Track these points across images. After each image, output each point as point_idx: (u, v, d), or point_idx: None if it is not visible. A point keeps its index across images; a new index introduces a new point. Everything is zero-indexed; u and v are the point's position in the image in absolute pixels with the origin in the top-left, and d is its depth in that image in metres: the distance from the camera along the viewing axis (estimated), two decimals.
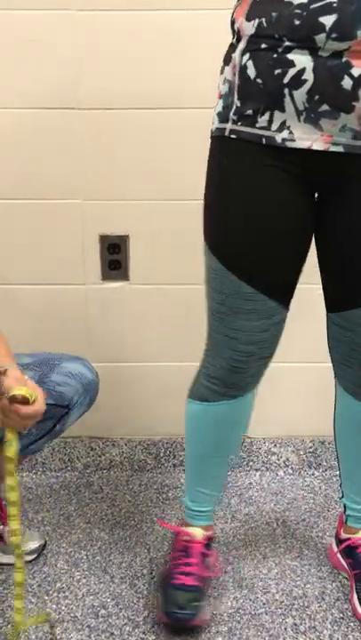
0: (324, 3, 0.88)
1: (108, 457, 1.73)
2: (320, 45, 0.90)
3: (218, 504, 1.33)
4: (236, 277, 1.06)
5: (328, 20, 0.88)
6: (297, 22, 0.90)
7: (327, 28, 0.88)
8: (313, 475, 1.72)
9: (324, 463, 1.73)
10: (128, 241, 1.59)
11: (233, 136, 1.01)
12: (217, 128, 1.05)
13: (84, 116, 1.49)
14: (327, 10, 0.88)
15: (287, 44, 0.91)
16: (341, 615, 1.23)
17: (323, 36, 0.89)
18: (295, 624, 1.20)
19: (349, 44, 0.89)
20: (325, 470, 1.73)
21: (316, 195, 1.05)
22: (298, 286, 1.12)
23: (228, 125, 1.01)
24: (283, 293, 1.10)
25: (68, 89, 1.48)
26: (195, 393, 1.22)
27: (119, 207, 1.57)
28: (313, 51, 0.90)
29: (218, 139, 1.05)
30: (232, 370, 1.14)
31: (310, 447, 1.73)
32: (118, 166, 1.53)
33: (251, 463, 1.74)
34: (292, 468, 1.73)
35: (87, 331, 1.66)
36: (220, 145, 1.04)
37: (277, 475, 1.72)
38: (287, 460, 1.73)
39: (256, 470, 1.74)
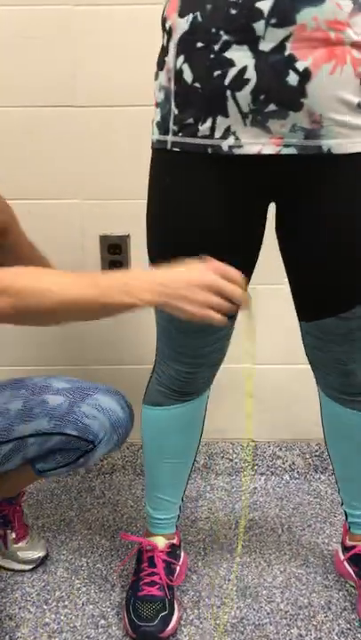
0: None
1: (110, 461, 1.70)
2: (260, 34, 0.82)
3: (181, 511, 1.29)
4: None
5: (265, 5, 0.81)
6: (233, 11, 0.83)
7: (265, 14, 0.81)
8: (319, 479, 1.68)
9: (331, 467, 1.69)
10: (129, 241, 1.56)
11: (175, 149, 0.93)
12: (157, 140, 0.97)
13: (83, 113, 1.46)
14: None
15: (225, 38, 0.84)
16: (348, 626, 1.19)
17: (261, 23, 0.81)
18: (301, 635, 1.17)
19: (290, 30, 0.81)
20: (332, 474, 1.68)
21: (271, 200, 0.98)
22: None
23: (170, 137, 0.94)
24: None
25: (65, 86, 1.45)
26: (148, 398, 1.19)
27: (119, 206, 1.54)
28: (253, 45, 0.83)
29: (159, 152, 0.97)
30: (182, 379, 1.12)
31: (316, 451, 1.69)
32: (118, 165, 1.50)
33: (256, 467, 1.70)
34: (297, 472, 1.70)
35: (87, 332, 1.63)
36: (163, 159, 0.97)
37: (283, 479, 1.68)
38: (293, 463, 1.70)
39: (261, 475, 1.70)
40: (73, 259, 1.57)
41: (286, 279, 1.12)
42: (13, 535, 1.34)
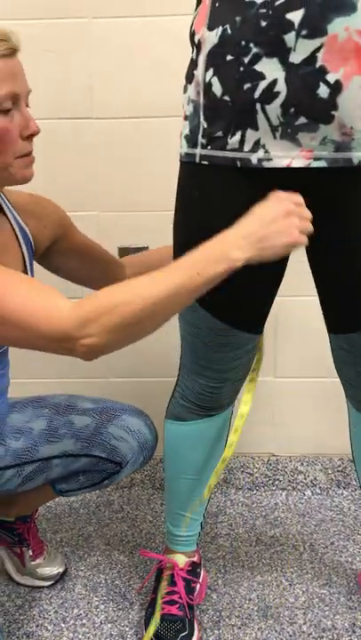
0: None
1: (130, 475, 1.69)
2: (290, 46, 0.80)
3: (202, 529, 1.26)
4: (208, 312, 1.00)
5: (296, 16, 0.79)
6: (263, 23, 0.81)
7: (296, 25, 0.79)
8: (342, 495, 1.64)
9: (354, 482, 1.65)
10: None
11: (204, 162, 0.92)
12: (186, 153, 0.96)
13: (99, 125, 1.46)
14: (293, 4, 0.79)
15: (255, 50, 0.82)
16: None
17: (292, 34, 0.80)
18: None
19: (321, 41, 0.79)
20: (355, 490, 1.65)
21: None
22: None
23: (198, 150, 0.92)
24: (257, 324, 1.04)
25: (83, 98, 1.44)
26: (171, 412, 1.17)
27: (137, 218, 1.53)
28: (283, 57, 0.81)
29: (188, 165, 0.96)
30: (206, 394, 1.10)
31: (339, 466, 1.66)
32: (135, 176, 1.49)
33: (276, 482, 1.67)
34: (319, 487, 1.66)
35: None
36: (191, 172, 0.95)
37: (304, 495, 1.65)
38: (315, 479, 1.66)
39: (282, 490, 1.67)
40: None
41: (307, 291, 1.10)
42: (30, 552, 1.33)
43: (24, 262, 1.09)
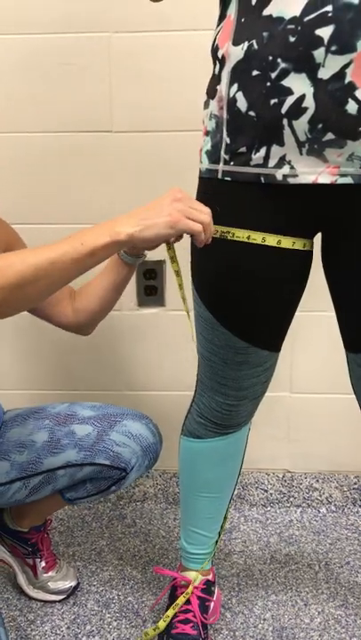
0: (318, 13, 0.78)
1: (142, 489, 1.67)
2: (319, 62, 0.80)
3: (215, 547, 1.24)
4: (228, 331, 0.99)
5: (325, 32, 0.78)
6: (292, 39, 0.80)
7: (325, 41, 0.78)
8: (358, 513, 1.62)
9: None
10: (164, 266, 1.55)
11: (227, 178, 0.91)
12: (207, 169, 0.95)
13: (119, 139, 1.46)
14: (323, 21, 0.78)
15: (283, 65, 0.81)
16: None
17: (322, 50, 0.79)
18: None
19: (351, 58, 0.79)
20: None
21: (319, 229, 0.96)
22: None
23: (220, 166, 0.92)
24: (277, 342, 1.03)
25: (103, 112, 1.45)
26: (187, 429, 1.16)
27: None
28: (312, 73, 0.80)
29: (209, 181, 0.95)
30: (224, 412, 1.08)
31: (355, 483, 1.63)
32: (154, 189, 1.49)
33: (291, 499, 1.65)
34: (335, 505, 1.64)
35: (122, 357, 1.61)
36: (212, 189, 0.95)
37: (319, 512, 1.63)
38: (330, 496, 1.64)
39: (297, 507, 1.65)
40: None
41: (324, 307, 1.09)
42: (43, 564, 1.32)
43: None
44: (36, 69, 1.43)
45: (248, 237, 0.92)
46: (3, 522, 1.33)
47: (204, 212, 0.86)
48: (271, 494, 1.66)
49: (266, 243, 0.92)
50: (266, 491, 1.66)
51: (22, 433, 1.21)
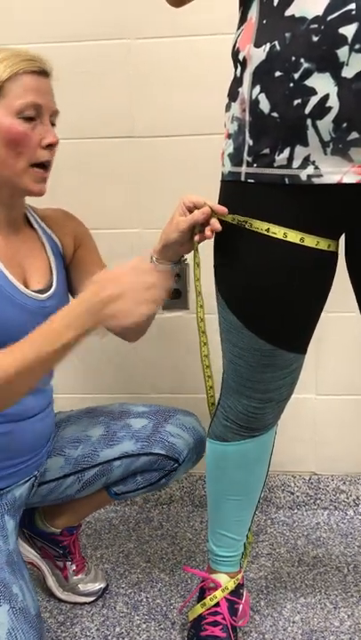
0: (342, 11, 0.78)
1: (169, 491, 1.68)
2: (343, 60, 0.79)
3: (249, 552, 1.24)
4: (254, 334, 0.99)
5: (349, 31, 0.78)
6: (315, 38, 0.80)
7: (349, 40, 0.78)
8: None
9: None
10: (188, 269, 1.55)
11: (250, 180, 0.91)
12: (230, 172, 0.95)
13: (140, 144, 1.47)
14: (347, 19, 0.78)
15: (306, 65, 0.81)
16: None
17: (345, 49, 0.78)
18: None
19: None
20: None
21: (344, 229, 0.96)
22: None
23: (243, 169, 0.92)
24: (303, 345, 1.03)
25: (124, 118, 1.46)
26: (213, 432, 1.16)
27: None
28: (336, 72, 0.80)
29: (231, 184, 0.95)
30: (250, 414, 1.08)
31: None
32: (176, 193, 1.50)
33: (318, 501, 1.64)
34: None
35: (148, 361, 1.62)
36: (235, 191, 0.95)
37: (347, 514, 1.62)
38: (357, 498, 1.63)
39: (324, 509, 1.64)
40: None
41: (349, 308, 1.08)
42: (74, 567, 1.33)
43: (50, 268, 1.14)
44: (58, 77, 1.45)
45: (267, 230, 0.91)
46: (33, 522, 1.34)
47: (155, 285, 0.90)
48: (298, 497, 1.65)
49: (288, 239, 0.91)
50: (292, 493, 1.65)
51: (77, 430, 1.25)
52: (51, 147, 1.04)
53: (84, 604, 1.33)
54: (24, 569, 1.05)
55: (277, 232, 0.91)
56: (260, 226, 0.92)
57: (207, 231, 0.98)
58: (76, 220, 1.24)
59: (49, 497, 1.24)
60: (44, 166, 1.04)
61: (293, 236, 0.91)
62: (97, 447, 1.23)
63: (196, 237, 1.02)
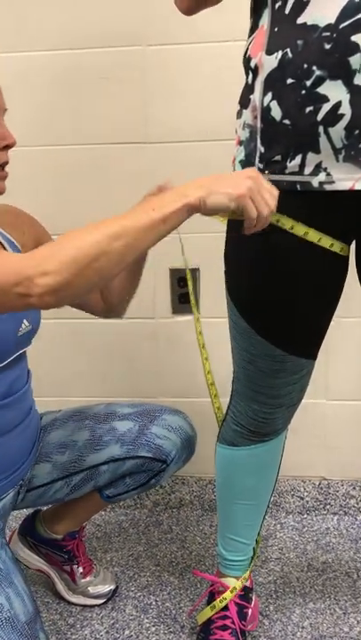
0: (354, 19, 0.79)
1: (178, 495, 1.68)
2: (356, 68, 0.80)
3: (257, 556, 1.25)
4: (265, 340, 0.99)
5: None
6: (327, 46, 0.81)
7: None
8: None
9: None
10: (198, 274, 1.56)
11: None
12: None
13: (153, 150, 1.49)
14: (359, 26, 0.78)
15: (318, 73, 0.82)
16: None
17: (358, 56, 0.79)
18: None
19: None
20: None
21: (355, 236, 0.96)
22: None
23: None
24: (314, 350, 1.04)
25: (137, 124, 1.47)
26: (223, 437, 1.16)
27: (189, 240, 1.53)
28: (348, 79, 0.80)
29: None
30: (260, 419, 1.09)
31: None
32: None
33: (328, 507, 1.64)
34: None
35: (157, 365, 1.63)
36: None
37: (356, 520, 1.62)
38: None
39: (333, 514, 1.64)
40: (143, 292, 1.58)
41: (359, 313, 1.08)
42: (81, 569, 1.34)
43: None
44: (73, 83, 1.47)
45: (292, 227, 0.91)
46: (35, 531, 1.34)
47: (269, 204, 0.83)
48: (307, 502, 1.65)
49: (307, 238, 0.91)
50: (302, 498, 1.65)
51: (63, 435, 1.24)
52: (7, 147, 1.02)
53: (95, 606, 1.33)
54: (14, 574, 1.03)
55: (300, 231, 0.91)
56: (287, 223, 0.91)
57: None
58: (28, 216, 1.21)
59: (38, 501, 1.25)
60: (1, 166, 1.02)
61: (313, 236, 0.91)
62: (83, 452, 1.22)
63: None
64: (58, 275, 0.75)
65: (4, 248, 1.09)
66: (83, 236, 0.77)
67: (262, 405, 1.06)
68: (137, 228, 0.79)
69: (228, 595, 1.18)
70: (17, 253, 0.80)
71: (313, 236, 0.91)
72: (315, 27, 0.82)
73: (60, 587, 1.35)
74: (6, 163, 1.03)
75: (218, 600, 1.18)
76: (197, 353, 1.60)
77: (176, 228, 0.82)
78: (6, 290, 0.77)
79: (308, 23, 0.82)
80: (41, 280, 0.75)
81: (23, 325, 1.08)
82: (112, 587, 1.35)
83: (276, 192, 0.84)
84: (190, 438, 1.27)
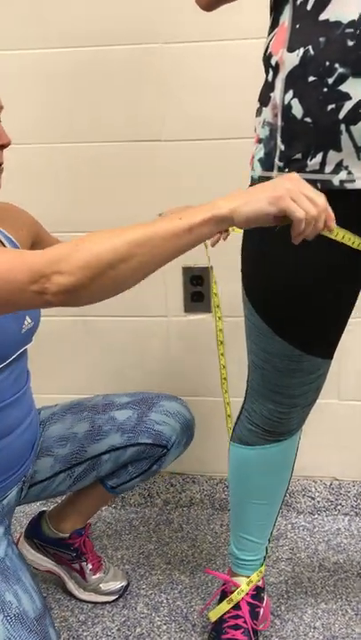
0: None
1: (189, 494, 1.68)
2: None
3: (267, 555, 1.24)
4: (283, 340, 0.99)
5: None
6: (351, 43, 0.80)
7: None
8: None
9: None
10: (211, 272, 1.56)
11: None
12: (260, 177, 0.95)
13: (169, 147, 1.48)
14: None
15: (341, 70, 0.81)
16: None
17: None
18: None
19: None
20: None
21: None
22: None
23: (275, 173, 0.91)
24: (331, 350, 1.03)
25: (153, 121, 1.47)
26: (237, 436, 1.16)
27: None
28: None
29: None
30: (275, 419, 1.08)
31: None
32: (202, 197, 1.50)
33: (339, 507, 1.63)
34: None
35: (169, 363, 1.63)
36: None
37: None
38: None
39: (345, 515, 1.63)
40: (156, 291, 1.58)
41: None
42: (90, 566, 1.34)
43: None
44: (89, 81, 1.46)
45: (343, 237, 0.89)
46: (41, 532, 1.35)
47: (316, 203, 0.76)
48: (318, 502, 1.64)
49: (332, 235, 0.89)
50: (313, 498, 1.64)
51: (62, 428, 1.25)
52: (2, 147, 1.01)
53: (106, 603, 1.33)
54: (22, 571, 1.03)
55: (349, 240, 0.89)
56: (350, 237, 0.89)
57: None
58: (24, 212, 1.21)
59: (42, 495, 1.26)
60: None
61: (337, 231, 0.89)
62: (84, 443, 1.23)
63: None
64: (72, 275, 0.74)
65: (3, 245, 1.09)
66: (101, 241, 0.75)
67: (278, 405, 1.06)
68: (160, 235, 0.75)
69: (245, 587, 1.18)
70: (31, 251, 0.78)
71: (336, 231, 0.89)
72: (338, 23, 0.81)
73: (71, 585, 1.35)
74: (1, 163, 1.02)
75: (236, 592, 1.18)
76: (209, 352, 1.60)
77: (204, 241, 0.78)
78: (23, 288, 0.77)
79: (331, 20, 0.82)
80: (56, 279, 0.75)
81: (26, 322, 1.09)
82: (123, 583, 1.35)
83: (320, 194, 0.77)
84: (188, 422, 1.29)
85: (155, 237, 0.75)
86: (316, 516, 1.63)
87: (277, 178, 0.79)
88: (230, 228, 1.19)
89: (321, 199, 0.77)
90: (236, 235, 1.52)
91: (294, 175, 0.78)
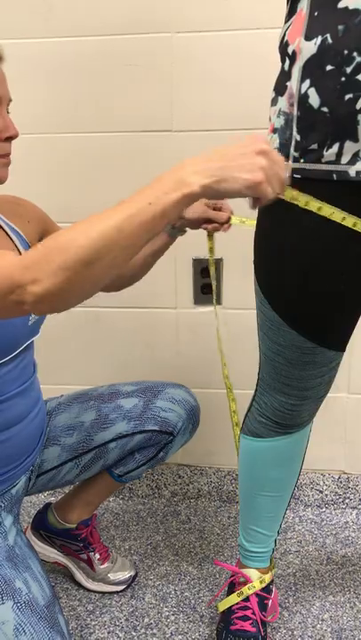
0: None
1: (196, 486, 1.68)
2: None
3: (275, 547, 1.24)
4: (296, 332, 0.98)
5: None
6: None
7: None
8: None
9: None
10: (221, 264, 1.55)
11: (297, 176, 0.89)
12: None
13: (179, 138, 1.47)
14: None
15: (359, 59, 0.80)
16: None
17: None
18: None
19: None
20: None
21: None
22: None
23: (290, 164, 0.90)
24: (344, 342, 1.02)
25: (163, 112, 1.46)
26: (247, 428, 1.16)
27: None
28: None
29: None
30: (286, 412, 1.08)
31: None
32: None
33: (347, 501, 1.63)
34: None
35: (178, 355, 1.63)
36: None
37: None
38: None
39: (353, 508, 1.63)
40: (165, 282, 1.58)
41: None
42: (98, 556, 1.34)
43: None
44: (99, 71, 1.46)
45: (319, 209, 0.88)
46: (48, 523, 1.35)
47: (280, 180, 0.75)
48: (326, 495, 1.64)
49: (343, 222, 0.88)
50: (321, 492, 1.64)
51: (69, 417, 1.26)
52: (10, 139, 1.00)
53: (114, 593, 1.34)
54: (31, 559, 1.04)
55: (328, 212, 0.88)
56: (314, 204, 0.88)
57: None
58: (33, 205, 1.20)
59: (49, 484, 1.26)
60: (2, 156, 1.00)
61: (348, 221, 0.89)
62: (91, 432, 1.24)
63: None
64: (48, 282, 0.71)
65: (9, 237, 1.09)
66: (72, 238, 0.71)
67: (289, 397, 1.06)
68: (133, 227, 0.72)
69: (256, 584, 1.18)
70: (9, 256, 0.77)
71: (349, 220, 0.89)
72: (357, 11, 0.80)
73: (79, 576, 1.36)
74: (8, 154, 1.01)
75: (247, 587, 1.18)
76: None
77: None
78: (1, 296, 0.74)
79: (350, 7, 0.81)
80: (32, 288, 0.71)
81: (32, 314, 1.09)
82: (132, 573, 1.35)
83: (283, 159, 0.76)
84: (194, 409, 1.29)
85: (126, 229, 0.71)
86: (324, 509, 1.63)
87: (248, 144, 0.74)
88: (240, 221, 1.19)
89: (285, 172, 0.76)
90: (244, 227, 1.51)
91: (263, 144, 0.74)
